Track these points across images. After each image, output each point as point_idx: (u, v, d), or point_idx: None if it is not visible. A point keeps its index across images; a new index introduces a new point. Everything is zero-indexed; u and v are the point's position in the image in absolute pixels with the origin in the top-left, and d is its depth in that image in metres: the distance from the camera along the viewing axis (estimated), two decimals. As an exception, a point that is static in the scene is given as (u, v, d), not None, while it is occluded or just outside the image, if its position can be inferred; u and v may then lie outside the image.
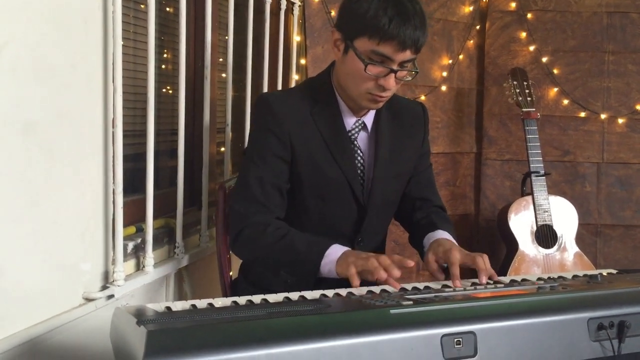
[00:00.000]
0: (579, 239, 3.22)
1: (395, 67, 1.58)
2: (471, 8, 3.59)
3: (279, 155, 1.66)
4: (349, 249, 1.54)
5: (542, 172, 3.12)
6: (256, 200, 1.64)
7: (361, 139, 1.74)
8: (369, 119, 1.75)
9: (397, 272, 1.40)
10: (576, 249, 3.14)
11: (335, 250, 1.52)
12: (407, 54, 1.57)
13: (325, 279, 1.54)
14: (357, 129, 1.73)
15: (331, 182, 1.69)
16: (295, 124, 1.67)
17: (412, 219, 1.85)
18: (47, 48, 1.45)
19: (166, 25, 2.18)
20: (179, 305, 1.22)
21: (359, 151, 1.73)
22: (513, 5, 3.57)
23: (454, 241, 1.67)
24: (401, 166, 1.80)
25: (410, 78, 1.66)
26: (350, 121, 1.72)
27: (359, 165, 1.73)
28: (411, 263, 1.43)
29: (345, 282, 1.45)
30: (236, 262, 1.94)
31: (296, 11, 2.98)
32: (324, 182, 1.69)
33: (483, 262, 1.50)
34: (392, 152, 1.76)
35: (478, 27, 3.64)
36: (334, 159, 1.68)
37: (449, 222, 1.82)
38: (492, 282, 1.49)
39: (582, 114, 3.55)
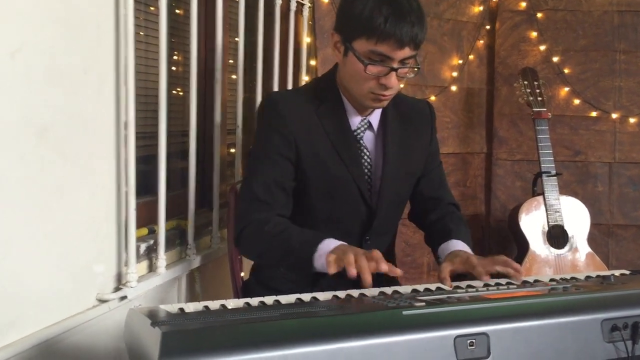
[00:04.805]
0: (591, 240, 3.20)
1: (395, 65, 1.58)
2: (481, 8, 3.58)
3: (283, 155, 1.66)
4: (344, 243, 1.52)
5: (554, 172, 3.11)
6: (258, 198, 1.65)
7: (367, 138, 1.74)
8: (374, 118, 1.75)
9: (368, 278, 1.35)
10: (588, 249, 3.12)
11: (328, 244, 1.50)
12: (406, 51, 1.57)
13: (324, 275, 1.50)
14: (362, 128, 1.73)
15: (337, 181, 1.69)
16: (301, 124, 1.67)
17: (425, 220, 1.85)
18: (60, 52, 1.46)
19: (177, 28, 2.19)
20: (192, 307, 1.22)
21: (365, 150, 1.73)
22: (523, 4, 3.55)
23: (469, 250, 1.66)
24: (410, 165, 1.80)
25: (412, 75, 1.66)
26: (355, 120, 1.73)
27: (366, 164, 1.73)
28: (399, 273, 1.41)
29: (344, 283, 1.42)
30: (247, 263, 1.95)
31: (306, 12, 2.99)
32: (331, 181, 1.69)
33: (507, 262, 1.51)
34: (400, 151, 1.76)
35: (488, 27, 3.62)
36: (340, 158, 1.68)
37: (463, 223, 1.81)
38: (504, 283, 1.49)
39: (594, 114, 3.53)
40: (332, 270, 1.40)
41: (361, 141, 1.73)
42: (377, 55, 1.57)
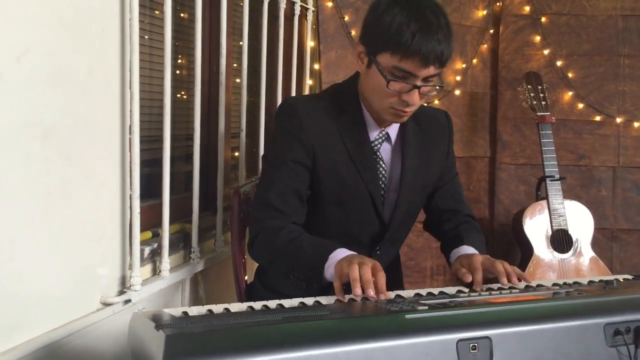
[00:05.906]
0: (595, 244, 3.20)
1: (418, 82, 1.54)
2: (485, 12, 3.58)
3: (300, 162, 1.65)
4: (353, 253, 1.50)
5: (557, 176, 3.11)
6: (273, 205, 1.64)
7: (384, 150, 1.73)
8: (393, 130, 1.74)
9: (370, 293, 1.33)
10: (592, 253, 3.12)
11: (338, 254, 1.49)
12: (431, 70, 1.53)
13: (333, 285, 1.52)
14: (380, 140, 1.72)
15: (352, 191, 1.68)
16: (320, 132, 1.66)
17: (441, 229, 1.85)
18: (65, 55, 1.46)
19: (181, 31, 2.20)
20: (195, 310, 1.23)
21: (381, 162, 1.72)
22: (527, 9, 3.55)
23: (477, 252, 1.66)
24: (426, 178, 1.79)
25: (435, 93, 1.63)
26: (374, 132, 1.71)
27: (381, 176, 1.72)
28: (387, 297, 1.36)
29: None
30: (251, 267, 1.95)
31: (310, 16, 3.00)
32: (345, 191, 1.68)
33: (502, 266, 1.50)
34: (418, 164, 1.75)
35: (492, 31, 3.63)
36: (356, 169, 1.67)
37: (477, 231, 1.80)
38: (506, 287, 1.49)
39: (597, 118, 3.53)
40: (343, 299, 1.38)
41: (378, 153, 1.71)
42: (400, 71, 1.53)
